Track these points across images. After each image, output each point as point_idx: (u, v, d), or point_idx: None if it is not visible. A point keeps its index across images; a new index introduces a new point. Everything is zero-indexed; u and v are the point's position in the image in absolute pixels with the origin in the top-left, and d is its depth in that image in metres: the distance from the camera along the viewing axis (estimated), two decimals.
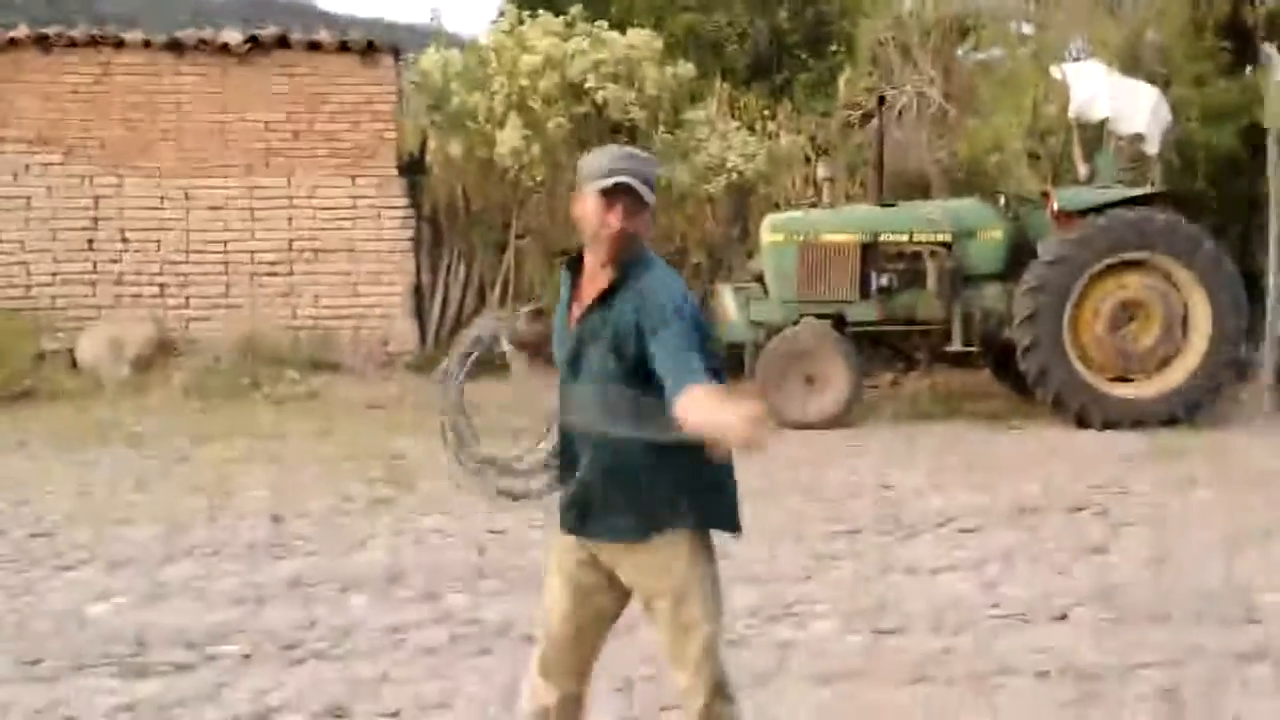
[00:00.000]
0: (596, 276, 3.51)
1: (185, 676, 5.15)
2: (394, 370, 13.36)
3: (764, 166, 14.07)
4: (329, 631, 5.68)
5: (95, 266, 13.45)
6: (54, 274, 13.38)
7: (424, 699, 4.93)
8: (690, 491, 3.47)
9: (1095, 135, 12.33)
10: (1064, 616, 5.94)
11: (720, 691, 3.54)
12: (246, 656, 5.38)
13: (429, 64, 14.11)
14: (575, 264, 3.61)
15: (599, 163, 3.46)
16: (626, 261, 3.46)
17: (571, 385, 3.55)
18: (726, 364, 12.73)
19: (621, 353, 3.40)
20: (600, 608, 3.65)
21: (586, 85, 13.42)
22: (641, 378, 3.36)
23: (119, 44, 13.41)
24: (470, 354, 3.82)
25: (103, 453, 9.78)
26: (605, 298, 3.47)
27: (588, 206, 3.44)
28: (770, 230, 11.77)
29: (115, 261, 13.47)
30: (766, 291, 11.74)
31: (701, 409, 3.07)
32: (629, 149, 3.59)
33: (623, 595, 3.65)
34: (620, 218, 3.40)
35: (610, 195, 3.40)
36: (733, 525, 3.60)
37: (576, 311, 3.55)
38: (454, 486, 3.77)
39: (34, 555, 6.91)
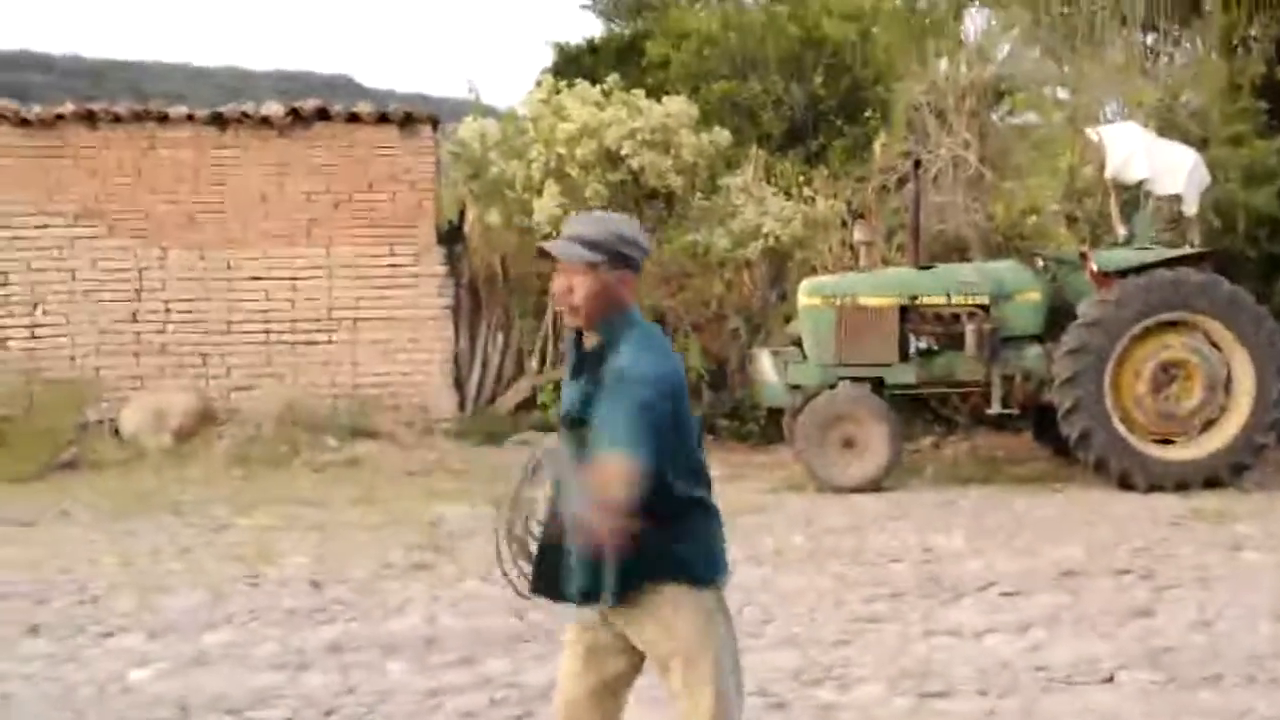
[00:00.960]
0: (589, 339, 3.57)
1: None
2: (433, 437, 13.39)
3: (800, 231, 14.10)
4: (368, 696, 5.69)
5: (139, 337, 13.60)
6: (98, 345, 13.54)
7: None
8: (660, 544, 3.41)
9: (1133, 196, 12.31)
10: (1110, 679, 5.88)
11: None
12: None
13: (467, 133, 14.27)
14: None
15: None
16: (604, 324, 3.50)
17: (567, 442, 3.56)
18: (755, 425, 12.97)
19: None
20: (612, 670, 3.59)
21: (623, 153, 13.53)
22: None
23: (163, 118, 13.62)
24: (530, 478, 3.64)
25: (145, 521, 9.83)
26: (593, 361, 3.51)
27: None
28: (807, 294, 11.76)
29: (159, 332, 13.61)
30: (804, 355, 11.71)
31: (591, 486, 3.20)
32: (580, 215, 3.67)
33: (636, 659, 3.59)
34: (562, 285, 3.49)
35: (555, 264, 3.50)
36: (713, 573, 3.56)
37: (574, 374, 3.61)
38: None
39: (77, 623, 6.95)
